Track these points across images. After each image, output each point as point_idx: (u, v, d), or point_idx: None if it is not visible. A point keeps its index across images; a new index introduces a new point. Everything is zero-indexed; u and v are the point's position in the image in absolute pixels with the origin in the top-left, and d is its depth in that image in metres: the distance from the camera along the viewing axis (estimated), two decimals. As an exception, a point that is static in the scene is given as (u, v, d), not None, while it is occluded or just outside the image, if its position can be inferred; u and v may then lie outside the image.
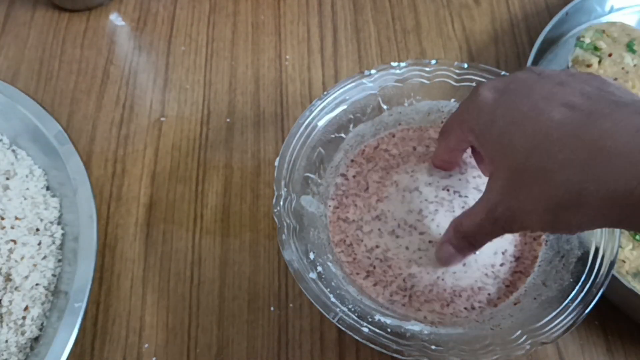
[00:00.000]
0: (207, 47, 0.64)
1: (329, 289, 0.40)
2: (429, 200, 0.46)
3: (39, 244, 0.48)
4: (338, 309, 0.39)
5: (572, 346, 0.46)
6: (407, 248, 0.45)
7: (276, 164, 0.44)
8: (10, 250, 0.46)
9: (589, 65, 0.57)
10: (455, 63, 0.48)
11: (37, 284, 0.46)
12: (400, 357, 0.37)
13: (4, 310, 0.44)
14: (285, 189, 0.44)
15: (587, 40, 0.59)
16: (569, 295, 0.40)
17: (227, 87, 0.61)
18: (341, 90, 0.47)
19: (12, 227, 0.47)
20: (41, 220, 0.49)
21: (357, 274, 0.45)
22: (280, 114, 0.59)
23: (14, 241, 0.46)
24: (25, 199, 0.49)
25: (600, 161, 0.29)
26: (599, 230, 0.42)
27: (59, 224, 0.50)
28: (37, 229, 0.48)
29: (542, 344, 0.37)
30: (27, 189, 0.50)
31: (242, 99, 0.60)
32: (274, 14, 0.66)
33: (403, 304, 0.44)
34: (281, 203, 0.43)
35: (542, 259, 0.45)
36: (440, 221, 0.45)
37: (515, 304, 0.43)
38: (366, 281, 0.45)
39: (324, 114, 0.47)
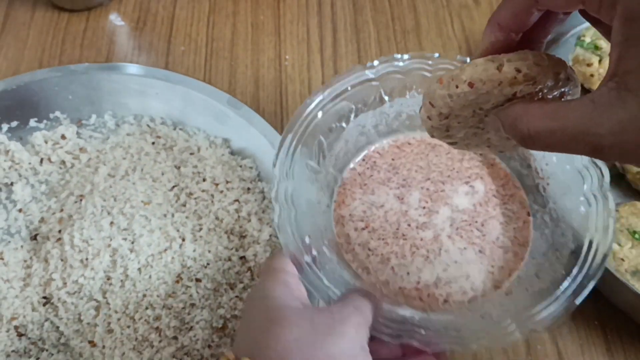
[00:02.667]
0: (207, 47, 0.64)
1: (322, 272, 0.40)
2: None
3: (255, 200, 0.50)
4: (331, 292, 0.39)
5: (572, 346, 0.46)
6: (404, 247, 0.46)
7: (276, 149, 0.44)
8: (237, 210, 0.50)
9: (589, 65, 0.57)
10: (458, 57, 0.47)
11: (270, 235, 0.48)
12: (390, 339, 0.37)
13: (252, 264, 0.48)
14: (284, 175, 0.44)
15: (588, 40, 0.59)
16: (560, 287, 0.40)
17: (226, 87, 0.61)
18: (343, 81, 0.47)
19: (229, 190, 0.51)
20: (244, 180, 0.52)
21: (359, 268, 0.46)
22: (279, 114, 0.59)
23: (237, 200, 0.50)
24: (223, 165, 0.52)
25: None
26: (593, 223, 0.42)
27: (260, 180, 0.53)
28: (248, 189, 0.51)
29: (531, 332, 0.37)
30: (223, 155, 0.53)
31: (241, 99, 0.59)
32: (273, 14, 0.66)
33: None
34: (279, 188, 0.43)
35: (535, 251, 0.45)
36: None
37: (506, 294, 0.43)
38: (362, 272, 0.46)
39: (325, 103, 0.47)
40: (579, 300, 0.38)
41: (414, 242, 0.47)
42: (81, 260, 0.45)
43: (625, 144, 0.23)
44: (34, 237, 0.48)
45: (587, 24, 0.61)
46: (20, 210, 0.50)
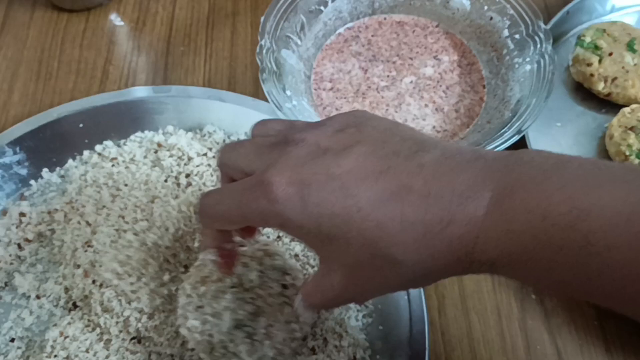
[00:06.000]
0: (206, 48, 0.64)
1: (301, 116, 0.49)
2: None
3: None
4: None
5: (571, 346, 0.46)
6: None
7: (261, 20, 0.53)
8: None
9: (589, 64, 0.57)
10: None
11: None
12: None
13: None
14: (268, 41, 0.52)
15: (588, 39, 0.58)
16: (507, 125, 0.49)
17: (226, 87, 0.60)
18: None
19: None
20: None
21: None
22: (279, 114, 0.59)
23: None
24: None
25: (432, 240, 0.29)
26: (534, 75, 0.52)
27: None
28: None
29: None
30: None
31: (240, 99, 0.60)
32: (273, 13, 0.66)
33: None
34: (264, 52, 0.51)
35: (484, 111, 0.55)
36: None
37: (461, 138, 0.54)
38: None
39: None
40: (522, 133, 0.48)
41: (374, 100, 0.56)
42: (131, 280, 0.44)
43: (351, 294, 0.33)
44: (75, 306, 0.45)
45: (587, 24, 0.62)
46: (37, 297, 0.46)
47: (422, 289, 0.44)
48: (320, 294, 0.34)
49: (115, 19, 0.66)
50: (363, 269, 0.31)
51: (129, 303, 0.43)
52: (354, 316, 0.45)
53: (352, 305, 0.46)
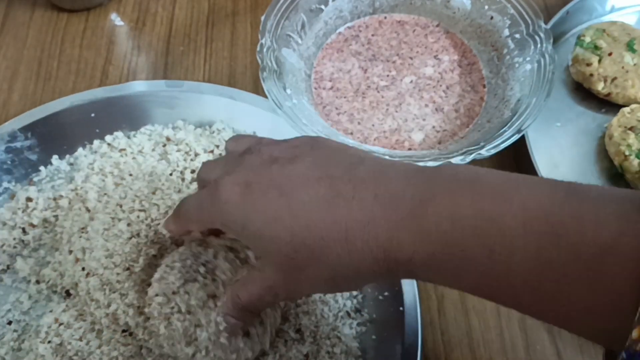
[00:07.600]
0: (206, 47, 0.64)
1: (301, 115, 0.49)
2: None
3: None
4: (308, 129, 0.48)
5: (571, 346, 0.46)
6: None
7: (262, 19, 0.53)
8: None
9: (588, 64, 0.57)
10: None
11: None
12: None
13: None
14: (269, 40, 0.52)
15: (588, 39, 0.58)
16: (506, 124, 0.49)
17: (226, 87, 0.60)
18: None
19: None
20: None
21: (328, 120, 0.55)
22: (279, 113, 0.59)
23: None
24: None
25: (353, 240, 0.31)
26: (534, 75, 0.51)
27: None
28: None
29: (480, 155, 0.47)
30: None
31: (240, 99, 0.60)
32: (273, 13, 0.66)
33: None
34: (264, 50, 0.52)
35: (484, 110, 0.55)
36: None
37: (461, 137, 0.54)
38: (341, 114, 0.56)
39: None
40: (522, 132, 0.48)
41: (374, 100, 0.56)
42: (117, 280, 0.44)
43: (279, 290, 0.35)
44: (68, 294, 0.45)
45: (587, 24, 0.62)
46: (37, 282, 0.46)
47: (417, 300, 0.44)
48: (248, 288, 0.36)
49: (115, 19, 0.65)
50: (290, 267, 0.33)
51: (114, 293, 0.43)
52: (348, 324, 0.45)
53: (348, 304, 0.46)
